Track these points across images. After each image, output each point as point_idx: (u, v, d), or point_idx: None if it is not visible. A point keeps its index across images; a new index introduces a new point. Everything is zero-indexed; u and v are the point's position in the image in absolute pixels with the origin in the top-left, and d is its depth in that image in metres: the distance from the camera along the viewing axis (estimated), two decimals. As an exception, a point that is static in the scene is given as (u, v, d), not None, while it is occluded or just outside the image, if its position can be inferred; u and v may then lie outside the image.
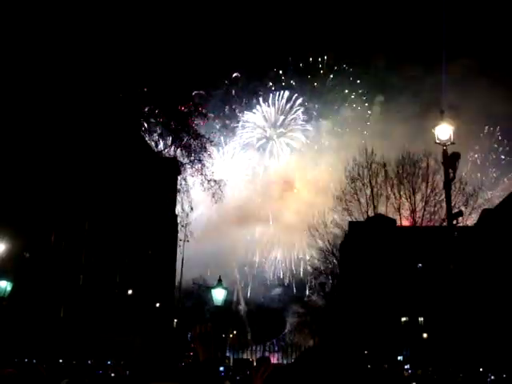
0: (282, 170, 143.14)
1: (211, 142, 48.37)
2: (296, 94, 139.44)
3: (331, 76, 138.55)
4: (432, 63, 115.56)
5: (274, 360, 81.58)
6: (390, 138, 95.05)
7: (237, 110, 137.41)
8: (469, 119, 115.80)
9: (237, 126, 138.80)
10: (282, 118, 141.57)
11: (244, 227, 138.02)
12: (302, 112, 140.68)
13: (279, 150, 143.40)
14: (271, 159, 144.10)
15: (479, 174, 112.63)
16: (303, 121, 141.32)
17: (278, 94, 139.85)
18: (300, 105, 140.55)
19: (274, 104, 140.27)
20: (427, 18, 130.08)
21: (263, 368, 2.99)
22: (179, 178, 49.21)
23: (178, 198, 50.73)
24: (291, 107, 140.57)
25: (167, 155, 49.77)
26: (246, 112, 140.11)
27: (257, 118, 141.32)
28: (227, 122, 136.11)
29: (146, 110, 45.10)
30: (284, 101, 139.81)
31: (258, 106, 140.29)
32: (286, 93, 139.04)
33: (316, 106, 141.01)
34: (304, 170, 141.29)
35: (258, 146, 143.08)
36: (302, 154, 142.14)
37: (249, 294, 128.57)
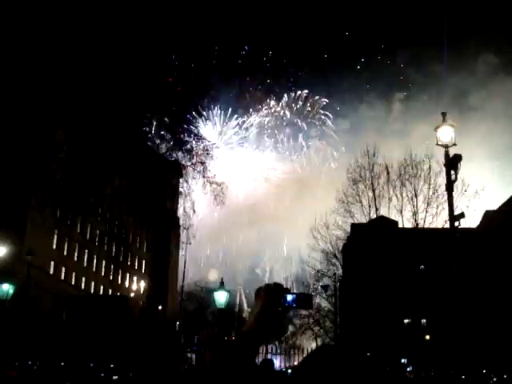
0: (296, 170, 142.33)
1: (213, 144, 48.43)
2: (318, 97, 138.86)
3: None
4: (457, 62, 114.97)
5: (277, 363, 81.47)
6: (409, 138, 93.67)
7: (250, 110, 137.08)
8: (491, 121, 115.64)
9: (249, 127, 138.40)
10: (297, 118, 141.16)
11: (253, 229, 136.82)
12: (320, 112, 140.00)
13: (293, 150, 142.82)
14: (285, 160, 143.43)
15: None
16: (320, 123, 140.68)
17: (293, 93, 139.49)
18: (318, 105, 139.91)
19: (289, 103, 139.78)
20: (429, 14, 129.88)
21: (262, 290, 2.81)
22: (181, 180, 49.23)
23: (180, 200, 50.71)
24: (310, 110, 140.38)
25: (169, 158, 49.78)
26: (260, 112, 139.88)
27: (271, 117, 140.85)
28: (240, 122, 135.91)
29: (149, 112, 45.16)
30: (301, 101, 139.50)
31: (272, 106, 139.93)
32: (304, 92, 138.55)
33: (336, 105, 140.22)
34: (318, 171, 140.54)
35: (272, 146, 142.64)
36: (317, 154, 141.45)
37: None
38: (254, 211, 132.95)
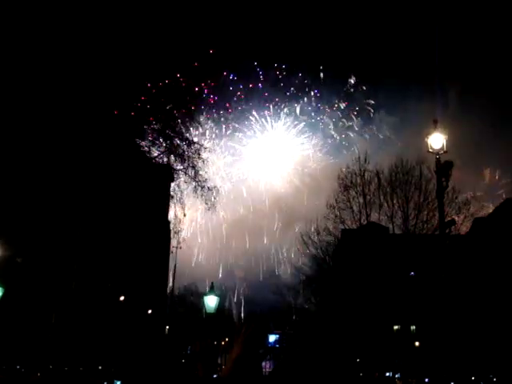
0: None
1: (205, 148, 48.27)
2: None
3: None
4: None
5: (266, 367, 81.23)
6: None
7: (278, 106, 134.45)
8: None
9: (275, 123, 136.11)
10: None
11: (282, 229, 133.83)
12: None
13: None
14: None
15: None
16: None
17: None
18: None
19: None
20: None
21: (244, 329, 2.71)
22: (172, 184, 49.08)
23: (171, 204, 50.56)
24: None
25: (160, 161, 49.58)
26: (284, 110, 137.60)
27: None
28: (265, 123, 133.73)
29: (140, 115, 44.93)
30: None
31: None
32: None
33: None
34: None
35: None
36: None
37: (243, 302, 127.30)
38: (283, 210, 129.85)
